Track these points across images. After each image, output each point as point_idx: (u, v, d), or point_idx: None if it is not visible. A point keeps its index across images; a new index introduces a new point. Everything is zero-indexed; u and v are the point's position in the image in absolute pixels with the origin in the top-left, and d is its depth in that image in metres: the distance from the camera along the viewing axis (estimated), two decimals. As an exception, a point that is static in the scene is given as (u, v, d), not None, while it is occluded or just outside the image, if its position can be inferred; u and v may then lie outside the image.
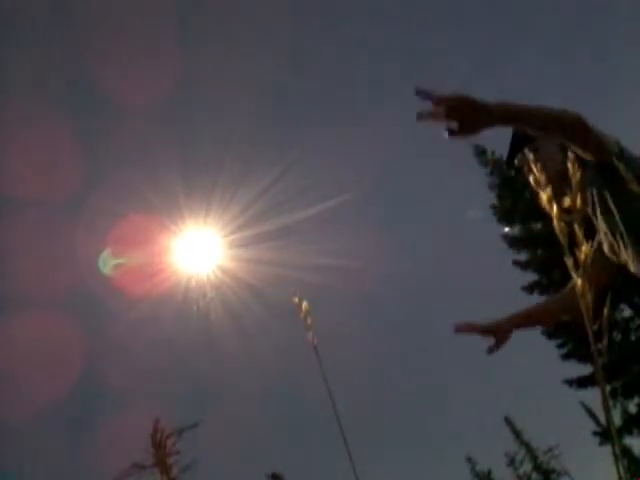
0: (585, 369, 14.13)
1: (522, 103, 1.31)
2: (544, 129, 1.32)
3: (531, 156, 0.68)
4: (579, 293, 0.56)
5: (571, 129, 1.30)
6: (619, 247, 1.40)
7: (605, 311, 0.55)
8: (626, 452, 13.85)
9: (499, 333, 1.64)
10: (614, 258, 1.44)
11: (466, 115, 1.24)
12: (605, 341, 0.55)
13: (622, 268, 1.44)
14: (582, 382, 14.08)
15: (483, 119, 1.26)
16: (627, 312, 13.63)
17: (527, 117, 1.30)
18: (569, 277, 0.58)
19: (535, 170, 0.63)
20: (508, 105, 1.30)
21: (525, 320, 1.70)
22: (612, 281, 1.52)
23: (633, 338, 13.35)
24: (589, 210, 1.45)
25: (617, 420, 13.52)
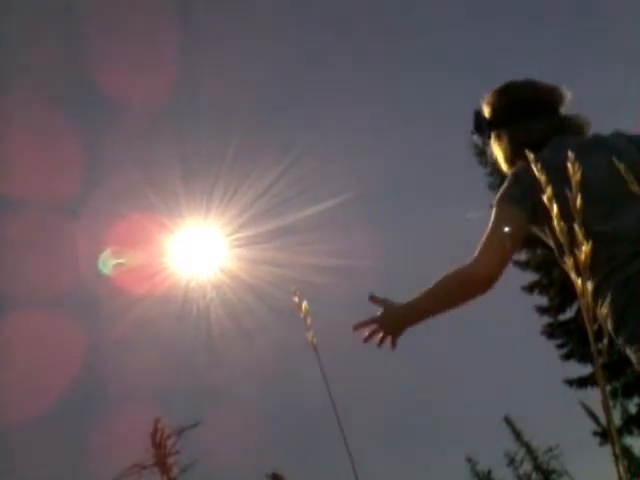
0: (585, 369, 14.15)
1: (422, 296, 1.52)
2: (451, 302, 1.52)
3: (531, 156, 0.68)
4: (579, 293, 0.56)
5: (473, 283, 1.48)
6: None
7: (605, 311, 0.55)
8: (626, 452, 13.83)
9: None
10: None
11: (388, 329, 1.59)
12: (605, 341, 0.55)
13: None
14: (582, 382, 14.09)
15: (402, 326, 1.58)
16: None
17: (433, 306, 1.53)
18: (569, 277, 0.58)
19: (536, 170, 0.63)
20: (413, 307, 1.54)
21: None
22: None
23: (633, 338, 13.34)
24: None
25: (617, 420, 13.52)
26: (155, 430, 1.47)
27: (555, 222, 0.59)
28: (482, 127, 1.74)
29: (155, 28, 14.16)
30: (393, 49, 25.50)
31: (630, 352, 1.32)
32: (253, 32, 20.33)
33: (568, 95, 1.68)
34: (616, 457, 0.60)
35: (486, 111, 1.73)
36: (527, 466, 18.63)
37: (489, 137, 1.73)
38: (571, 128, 1.61)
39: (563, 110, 1.66)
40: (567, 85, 1.69)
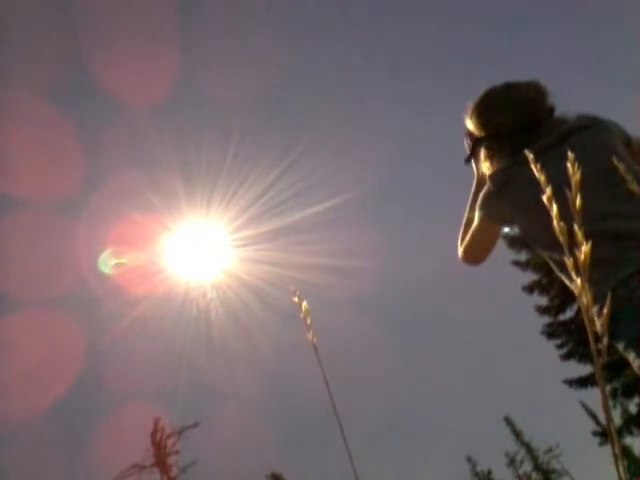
0: (585, 369, 14.15)
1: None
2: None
3: (531, 156, 0.68)
4: (578, 293, 0.56)
5: None
6: None
7: (605, 311, 0.55)
8: (626, 452, 13.86)
9: None
10: None
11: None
12: (605, 341, 0.55)
13: None
14: (582, 382, 14.10)
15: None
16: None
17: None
18: (565, 277, 0.58)
19: (535, 170, 0.63)
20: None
21: None
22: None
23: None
24: None
25: (617, 420, 13.53)
26: (155, 430, 1.47)
27: (555, 222, 0.59)
28: (469, 150, 1.78)
29: (157, 28, 14.16)
30: (394, 48, 25.50)
31: (629, 357, 1.31)
32: (254, 32, 20.34)
33: (549, 94, 1.65)
34: (616, 457, 0.60)
35: (470, 127, 1.74)
36: (527, 466, 18.63)
37: (475, 152, 1.75)
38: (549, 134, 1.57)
39: (546, 108, 1.64)
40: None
